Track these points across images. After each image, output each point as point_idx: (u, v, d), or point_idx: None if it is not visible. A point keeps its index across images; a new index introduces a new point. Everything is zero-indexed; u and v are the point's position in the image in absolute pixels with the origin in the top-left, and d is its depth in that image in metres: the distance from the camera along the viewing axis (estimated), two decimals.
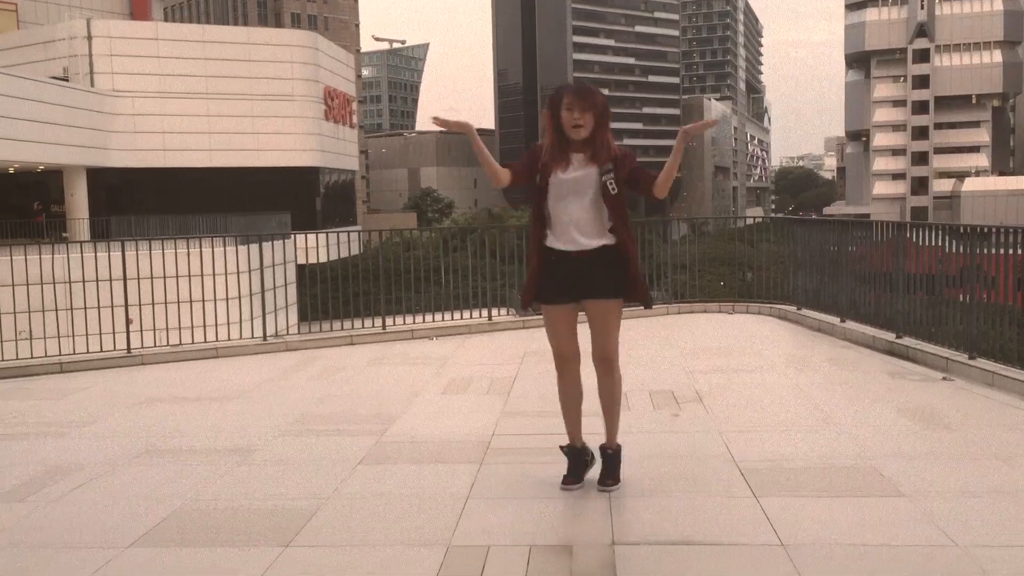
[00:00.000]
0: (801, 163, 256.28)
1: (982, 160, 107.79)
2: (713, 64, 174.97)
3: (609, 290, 4.51)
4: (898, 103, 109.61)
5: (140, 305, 9.90)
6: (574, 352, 4.64)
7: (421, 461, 5.37)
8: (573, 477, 4.69)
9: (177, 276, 10.39)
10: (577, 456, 4.75)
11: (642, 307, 4.78)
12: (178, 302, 10.27)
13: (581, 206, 4.43)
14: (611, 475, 4.68)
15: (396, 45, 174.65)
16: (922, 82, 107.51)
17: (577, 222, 4.45)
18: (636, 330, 10.12)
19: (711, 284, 14.37)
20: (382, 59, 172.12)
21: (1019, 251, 7.47)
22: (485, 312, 10.95)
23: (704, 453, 5.33)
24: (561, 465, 4.79)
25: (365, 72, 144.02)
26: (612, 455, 4.72)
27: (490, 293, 11.04)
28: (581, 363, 4.70)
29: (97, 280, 9.94)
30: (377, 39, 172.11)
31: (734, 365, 8.17)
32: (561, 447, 4.80)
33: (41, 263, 10.19)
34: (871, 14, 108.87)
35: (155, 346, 9.58)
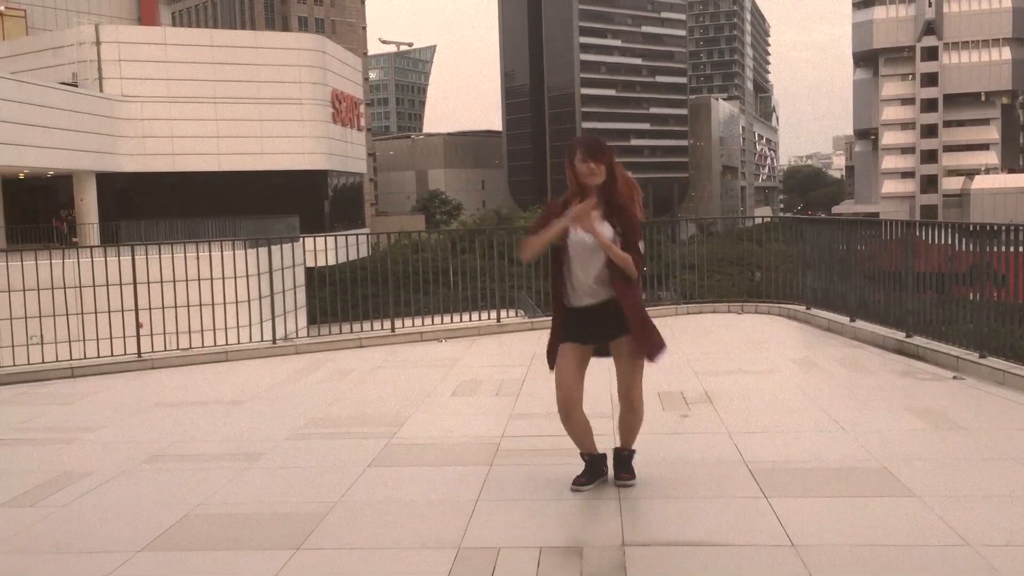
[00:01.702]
0: (809, 162, 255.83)
1: (991, 158, 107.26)
2: (720, 64, 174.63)
3: (624, 329, 4.61)
4: (907, 101, 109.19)
5: (150, 309, 9.93)
6: (579, 398, 4.73)
7: (431, 463, 5.37)
8: (586, 478, 4.74)
9: (187, 280, 10.42)
10: (596, 463, 4.80)
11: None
12: (188, 306, 10.31)
13: (600, 262, 4.56)
14: (625, 469, 4.79)
15: (403, 48, 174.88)
16: (931, 80, 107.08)
17: (598, 278, 4.59)
18: None
19: (720, 284, 14.35)
20: (389, 62, 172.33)
21: None
22: (494, 314, 10.95)
23: (714, 454, 5.32)
24: (571, 466, 4.79)
25: (372, 75, 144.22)
26: (626, 456, 4.83)
27: (499, 295, 11.04)
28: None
29: (107, 284, 9.97)
30: (384, 42, 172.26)
31: (743, 366, 8.15)
32: (582, 454, 4.82)
33: (52, 268, 10.23)
34: (879, 12, 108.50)
35: (165, 350, 9.62)
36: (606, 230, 4.52)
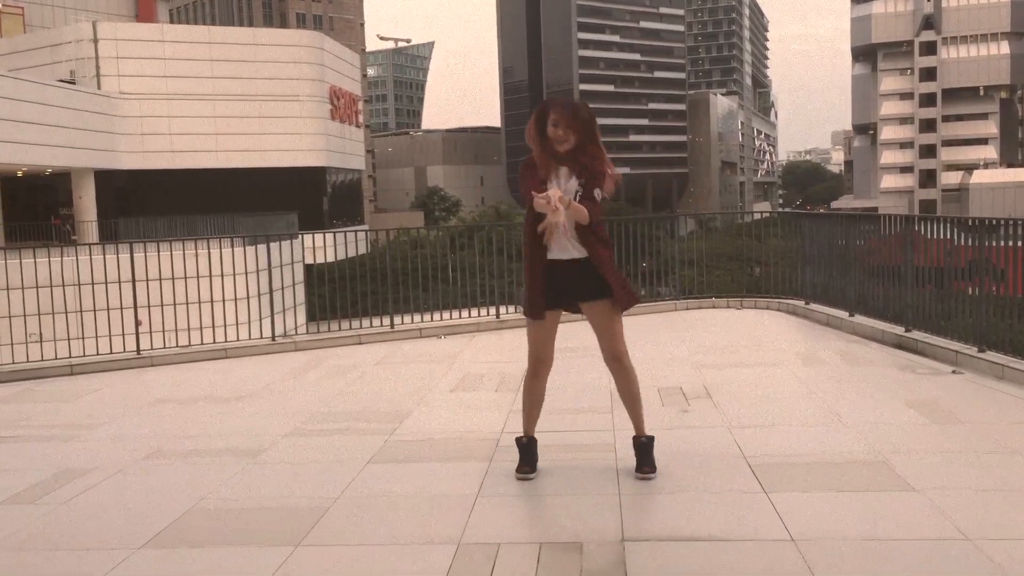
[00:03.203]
0: (808, 157, 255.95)
1: (990, 152, 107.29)
2: (719, 59, 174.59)
3: (596, 292, 4.70)
4: (905, 96, 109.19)
5: (149, 306, 9.93)
6: (551, 357, 4.89)
7: (431, 459, 5.38)
8: (529, 466, 4.88)
9: (185, 277, 10.42)
10: (531, 448, 4.93)
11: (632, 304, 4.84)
12: (187, 303, 10.31)
13: (568, 217, 4.55)
14: (647, 463, 4.81)
15: (401, 44, 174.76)
16: (929, 75, 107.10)
17: (566, 232, 4.63)
18: (645, 326, 10.11)
19: (719, 280, 14.35)
20: (387, 58, 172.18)
21: None
22: (493, 310, 10.96)
23: (713, 449, 5.32)
24: (572, 462, 4.80)
25: (371, 71, 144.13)
26: (644, 443, 4.85)
27: (498, 291, 11.04)
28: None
29: (106, 282, 9.97)
30: (382, 38, 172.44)
31: (743, 360, 8.15)
32: (518, 440, 4.96)
33: (51, 265, 10.23)
34: (877, 7, 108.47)
35: (164, 347, 9.61)
36: (572, 185, 4.56)
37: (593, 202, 4.55)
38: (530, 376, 4.90)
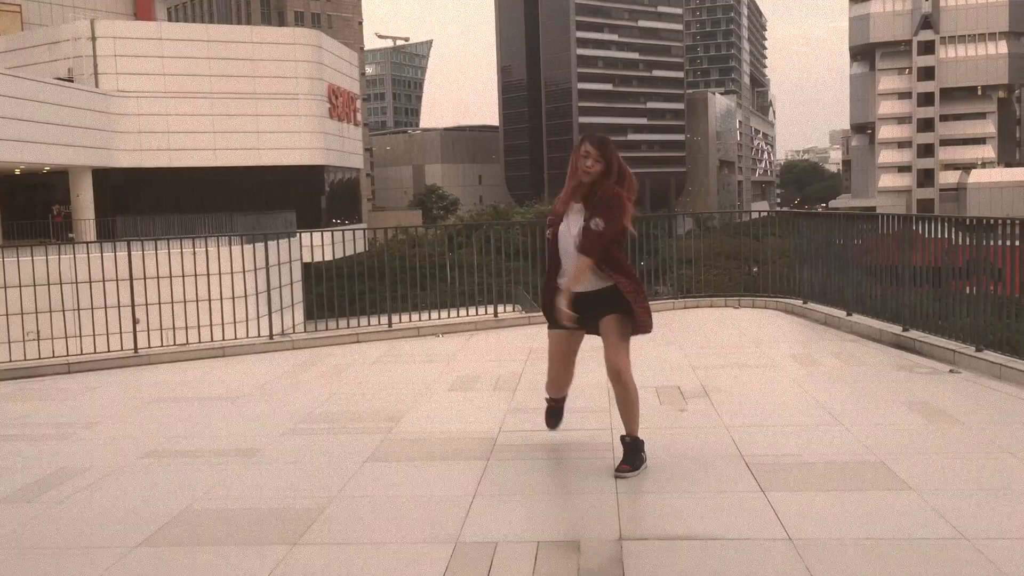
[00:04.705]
0: (806, 156, 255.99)
1: (988, 151, 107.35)
2: (717, 58, 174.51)
3: (613, 308, 4.82)
4: (903, 95, 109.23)
5: (147, 305, 9.92)
6: (567, 380, 5.19)
7: (428, 458, 5.37)
8: (553, 418, 5.31)
9: (183, 276, 10.41)
10: (560, 405, 5.31)
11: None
12: (184, 301, 10.30)
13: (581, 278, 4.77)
14: (626, 460, 4.86)
15: (399, 42, 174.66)
16: (927, 74, 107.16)
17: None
18: None
19: (717, 279, 14.36)
20: (386, 56, 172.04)
21: None
22: (491, 309, 10.95)
23: (711, 448, 5.33)
24: (570, 461, 4.79)
25: (369, 70, 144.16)
26: (629, 443, 4.90)
27: (496, 290, 11.03)
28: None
29: (104, 280, 9.97)
30: (380, 36, 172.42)
31: (740, 360, 8.15)
32: (547, 399, 5.32)
33: (48, 264, 10.21)
34: (875, 6, 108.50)
35: (162, 346, 9.60)
36: (580, 220, 4.74)
37: (595, 233, 4.68)
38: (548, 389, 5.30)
